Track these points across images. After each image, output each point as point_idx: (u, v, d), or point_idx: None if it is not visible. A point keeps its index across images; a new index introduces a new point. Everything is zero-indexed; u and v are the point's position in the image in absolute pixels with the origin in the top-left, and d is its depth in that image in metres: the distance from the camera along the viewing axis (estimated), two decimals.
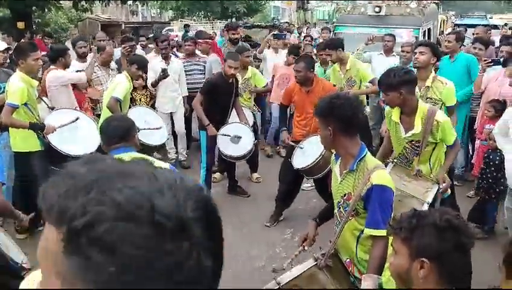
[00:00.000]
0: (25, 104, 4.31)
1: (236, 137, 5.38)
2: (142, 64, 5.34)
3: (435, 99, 4.12)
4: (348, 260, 2.59)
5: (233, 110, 5.63)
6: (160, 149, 6.72)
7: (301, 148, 4.79)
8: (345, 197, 2.50)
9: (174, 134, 6.87)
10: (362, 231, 2.47)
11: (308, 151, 4.70)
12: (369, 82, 5.73)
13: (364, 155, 2.45)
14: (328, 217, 2.89)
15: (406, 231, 1.54)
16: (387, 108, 3.72)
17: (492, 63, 5.39)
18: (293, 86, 5.16)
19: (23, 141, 4.44)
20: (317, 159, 4.51)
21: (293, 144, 4.94)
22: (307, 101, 4.88)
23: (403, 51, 6.29)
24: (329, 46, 5.91)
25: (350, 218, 2.49)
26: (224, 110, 5.49)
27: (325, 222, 2.90)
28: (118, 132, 2.90)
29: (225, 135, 5.34)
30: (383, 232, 2.30)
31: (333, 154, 2.69)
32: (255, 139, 5.61)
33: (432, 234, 1.48)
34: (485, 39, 6.70)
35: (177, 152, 6.82)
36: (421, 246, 1.50)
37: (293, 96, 5.10)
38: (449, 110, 4.17)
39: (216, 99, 5.32)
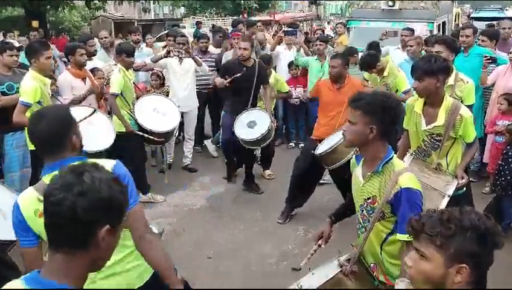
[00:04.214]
0: (38, 102, 4.34)
1: (252, 122, 5.43)
2: (130, 51, 5.40)
3: (456, 98, 3.99)
4: (373, 264, 2.50)
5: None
6: (155, 156, 6.75)
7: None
8: (369, 201, 2.38)
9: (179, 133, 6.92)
10: (388, 235, 2.38)
11: (331, 142, 4.66)
12: (403, 92, 5.43)
13: (391, 157, 2.35)
14: (344, 215, 2.85)
15: (443, 237, 1.45)
16: (408, 100, 3.63)
17: (490, 61, 5.50)
18: (324, 82, 5.17)
19: None
20: (336, 143, 4.45)
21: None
22: (336, 99, 4.87)
23: (407, 45, 6.19)
24: (367, 66, 5.53)
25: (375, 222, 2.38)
26: (244, 95, 5.51)
27: (341, 220, 2.85)
28: (43, 141, 2.04)
29: (241, 116, 5.44)
30: None
31: (353, 157, 2.58)
32: (273, 126, 5.58)
33: (472, 240, 1.43)
34: (491, 31, 6.58)
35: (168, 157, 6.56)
36: (460, 252, 1.43)
37: (319, 92, 5.09)
38: None
39: (235, 86, 5.39)
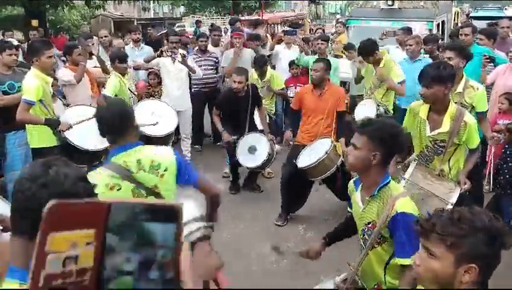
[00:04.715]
0: (40, 100, 4.37)
1: (252, 148, 5.46)
2: (123, 58, 5.54)
3: (465, 105, 3.94)
4: (376, 286, 2.49)
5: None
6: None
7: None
8: (369, 225, 2.40)
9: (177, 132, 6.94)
10: (390, 258, 2.38)
11: (314, 152, 4.69)
12: (398, 83, 5.40)
13: (388, 182, 2.37)
14: (341, 238, 2.82)
15: (454, 237, 1.46)
16: (413, 104, 3.62)
17: (489, 60, 5.51)
18: (305, 89, 5.17)
19: (40, 137, 4.53)
20: (320, 158, 4.52)
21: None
22: (318, 105, 4.91)
23: (406, 44, 6.20)
24: (365, 53, 5.49)
25: (376, 245, 2.39)
26: (239, 121, 5.55)
27: (338, 241, 2.82)
28: (111, 128, 2.40)
29: (239, 142, 5.44)
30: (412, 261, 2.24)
31: (352, 181, 2.59)
32: (274, 147, 5.58)
33: (483, 241, 1.44)
34: (489, 30, 6.59)
35: None
36: (471, 253, 1.44)
37: (302, 100, 5.07)
38: (480, 116, 4.00)
39: (229, 113, 5.48)
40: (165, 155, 2.46)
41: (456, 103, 3.65)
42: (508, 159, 4.59)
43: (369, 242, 2.38)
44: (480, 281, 1.47)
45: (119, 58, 5.40)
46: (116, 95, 5.25)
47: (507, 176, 4.55)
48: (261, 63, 6.52)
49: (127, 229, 0.52)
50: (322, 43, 6.86)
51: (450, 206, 3.07)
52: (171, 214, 0.54)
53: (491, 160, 4.94)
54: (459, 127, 3.28)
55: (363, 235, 2.46)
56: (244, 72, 5.48)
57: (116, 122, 2.37)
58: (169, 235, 0.54)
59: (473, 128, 3.32)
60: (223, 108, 5.59)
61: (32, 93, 4.28)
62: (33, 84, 4.31)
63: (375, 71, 5.51)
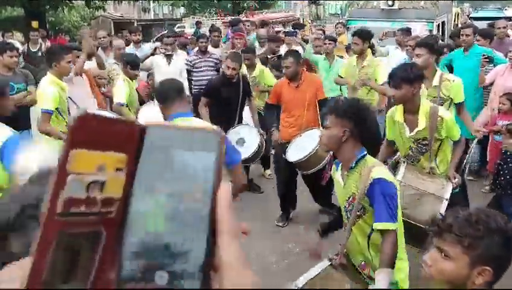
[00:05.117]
0: (56, 108, 4.29)
1: (241, 140, 5.35)
2: (135, 64, 5.39)
3: (443, 98, 4.09)
4: (363, 262, 2.55)
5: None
6: None
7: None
8: (349, 200, 2.48)
9: None
10: (372, 230, 2.44)
11: (303, 144, 4.63)
12: (382, 84, 5.38)
13: (365, 155, 2.46)
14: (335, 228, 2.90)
15: (471, 238, 1.45)
16: (388, 112, 3.69)
17: (488, 60, 5.55)
18: (281, 82, 5.10)
19: (50, 143, 4.48)
20: (313, 150, 4.45)
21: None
22: (297, 97, 4.84)
23: (407, 45, 6.23)
24: (360, 35, 5.56)
25: (357, 219, 2.46)
26: (230, 111, 5.44)
27: (334, 242, 2.88)
28: (165, 94, 2.97)
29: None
30: (390, 226, 2.29)
31: (334, 164, 2.68)
32: (263, 140, 5.48)
33: (500, 244, 1.44)
34: (485, 30, 6.61)
35: None
36: (486, 254, 1.44)
37: (280, 94, 4.99)
38: (458, 107, 4.16)
39: (220, 100, 5.34)
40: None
41: (434, 97, 3.77)
42: (508, 159, 4.59)
43: (351, 217, 2.44)
44: (492, 282, 1.47)
45: (132, 65, 5.27)
46: (123, 104, 5.15)
47: (507, 177, 4.55)
48: (249, 51, 6.27)
49: (161, 156, 0.45)
50: (329, 43, 6.82)
51: (445, 202, 3.15)
52: (211, 142, 0.47)
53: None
54: (436, 123, 3.35)
55: (346, 212, 2.54)
56: (239, 59, 5.40)
57: (178, 90, 2.98)
58: (208, 166, 0.46)
59: (449, 122, 3.40)
60: (214, 94, 5.36)
61: (50, 103, 4.20)
62: (50, 92, 4.24)
63: (357, 68, 5.53)
